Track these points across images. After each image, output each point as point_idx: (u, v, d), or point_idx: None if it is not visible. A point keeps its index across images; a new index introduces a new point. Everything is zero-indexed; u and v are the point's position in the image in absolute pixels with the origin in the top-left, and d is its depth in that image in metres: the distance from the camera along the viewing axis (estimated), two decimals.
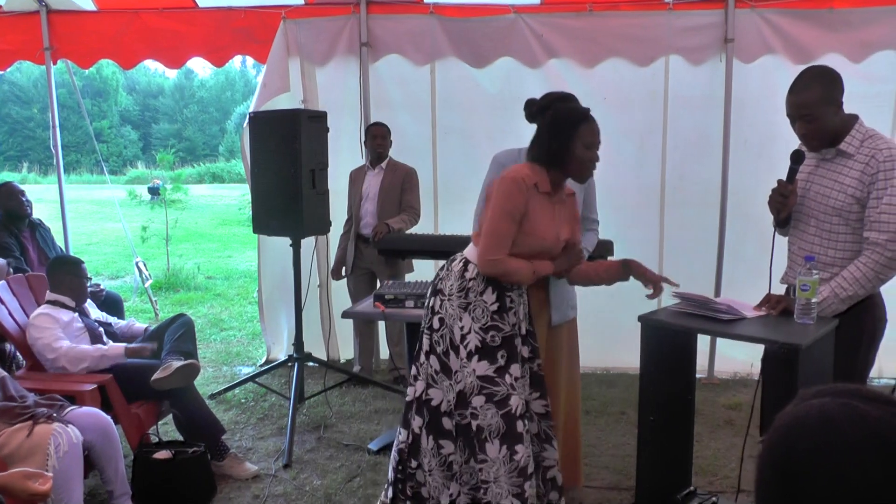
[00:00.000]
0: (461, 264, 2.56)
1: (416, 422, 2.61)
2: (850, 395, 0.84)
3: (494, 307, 2.49)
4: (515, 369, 2.49)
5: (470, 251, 2.57)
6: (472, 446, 2.49)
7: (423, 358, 2.62)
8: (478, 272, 2.50)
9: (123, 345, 3.36)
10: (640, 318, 2.60)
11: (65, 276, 3.57)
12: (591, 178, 2.89)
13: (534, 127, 2.69)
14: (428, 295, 2.66)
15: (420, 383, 2.61)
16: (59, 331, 3.36)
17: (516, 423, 2.43)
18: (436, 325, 2.56)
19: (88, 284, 4.37)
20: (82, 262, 3.75)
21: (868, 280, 2.32)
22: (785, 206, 2.51)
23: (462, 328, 2.49)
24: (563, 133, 2.48)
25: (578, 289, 3.03)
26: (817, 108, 2.37)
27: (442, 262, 4.05)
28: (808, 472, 0.80)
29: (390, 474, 2.73)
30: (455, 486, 2.56)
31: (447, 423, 2.55)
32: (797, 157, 2.50)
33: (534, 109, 2.73)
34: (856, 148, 2.39)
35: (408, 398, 2.67)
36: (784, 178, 2.52)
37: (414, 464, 2.64)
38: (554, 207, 2.57)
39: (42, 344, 3.33)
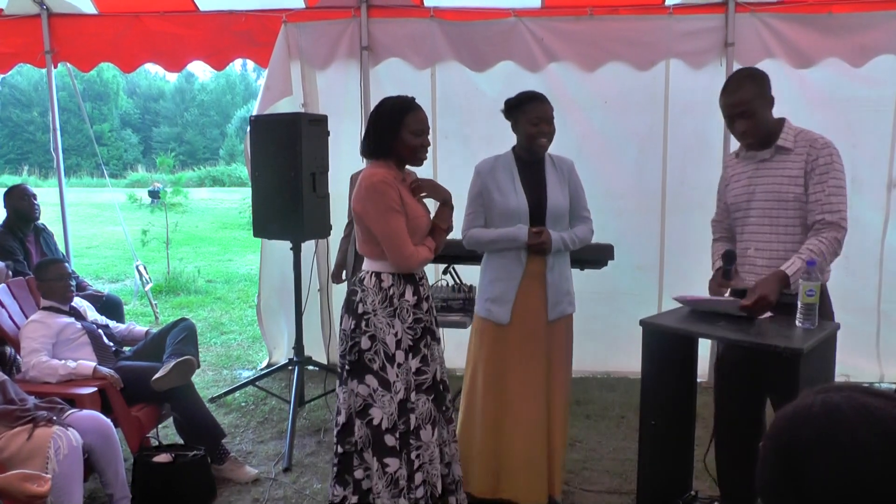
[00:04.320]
0: (373, 279, 2.57)
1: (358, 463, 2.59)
2: (853, 389, 0.85)
3: (414, 300, 2.61)
4: (432, 355, 2.68)
5: (371, 265, 2.60)
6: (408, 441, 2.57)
7: (343, 386, 2.62)
8: (393, 278, 2.57)
9: (93, 364, 3.31)
10: (642, 322, 2.60)
11: (43, 283, 3.53)
12: (573, 175, 2.91)
13: None
14: (345, 324, 2.63)
15: (343, 414, 2.62)
16: (38, 343, 3.31)
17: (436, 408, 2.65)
18: (365, 344, 2.54)
19: (88, 289, 4.38)
20: (60, 261, 3.72)
21: (831, 253, 2.42)
22: (724, 292, 2.65)
23: (396, 334, 2.56)
24: (391, 125, 2.56)
25: (578, 292, 3.03)
26: (752, 103, 2.48)
27: (443, 266, 4.04)
28: (813, 459, 0.81)
29: None
30: (403, 502, 2.53)
31: (390, 440, 2.53)
32: (730, 258, 2.63)
33: (510, 106, 2.87)
34: (792, 142, 2.50)
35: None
36: (721, 274, 2.64)
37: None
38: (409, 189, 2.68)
39: (23, 353, 3.34)
